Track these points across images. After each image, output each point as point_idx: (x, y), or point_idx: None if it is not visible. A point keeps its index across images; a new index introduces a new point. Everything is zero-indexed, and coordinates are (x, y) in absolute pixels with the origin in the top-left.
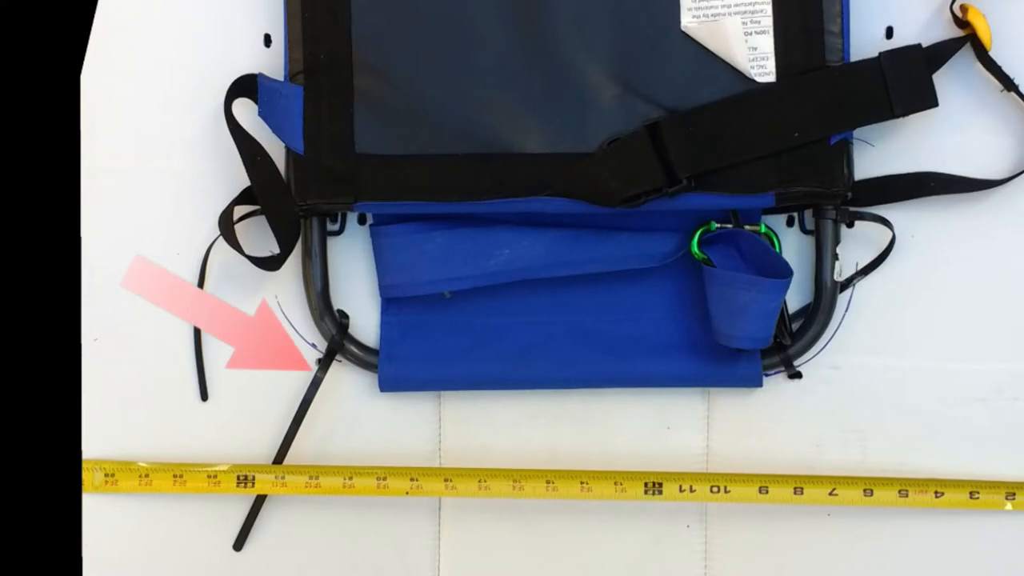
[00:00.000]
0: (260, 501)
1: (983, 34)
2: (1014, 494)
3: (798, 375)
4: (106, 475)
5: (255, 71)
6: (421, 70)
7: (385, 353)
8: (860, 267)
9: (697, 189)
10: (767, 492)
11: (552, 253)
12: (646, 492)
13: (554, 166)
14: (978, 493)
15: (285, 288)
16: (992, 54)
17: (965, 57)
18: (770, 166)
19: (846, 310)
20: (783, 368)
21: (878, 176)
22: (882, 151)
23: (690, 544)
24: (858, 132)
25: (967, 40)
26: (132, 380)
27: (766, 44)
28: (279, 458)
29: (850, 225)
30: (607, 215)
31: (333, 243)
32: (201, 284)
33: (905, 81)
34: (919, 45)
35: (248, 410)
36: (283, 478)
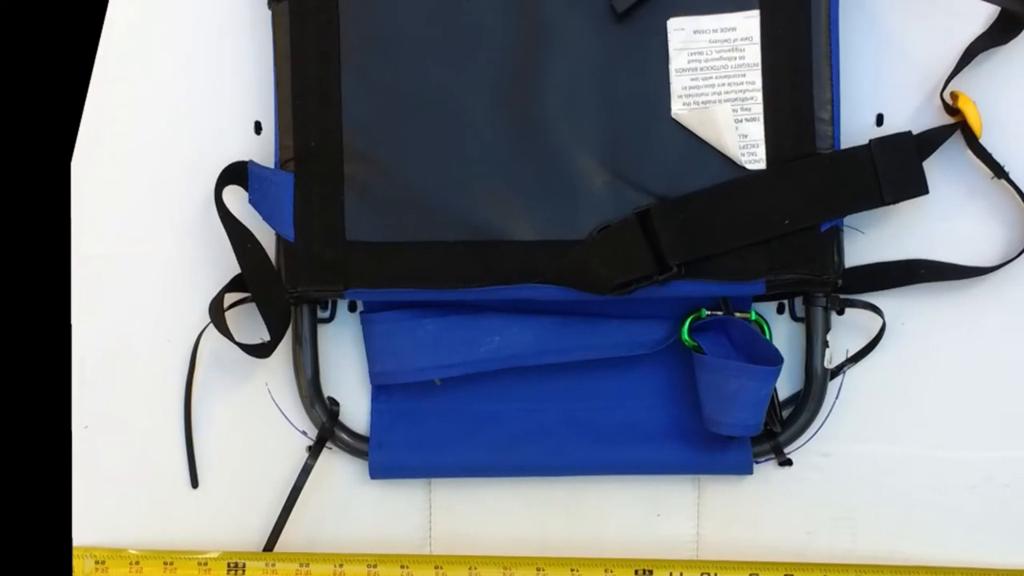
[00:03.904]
0: None
1: (973, 121)
2: None
3: (788, 462)
4: (96, 562)
5: (245, 158)
6: (412, 157)
7: (375, 440)
8: (850, 354)
9: (687, 276)
10: None
11: (542, 340)
12: None
13: (545, 253)
14: None
15: (276, 375)
16: (982, 141)
17: (955, 144)
18: (760, 253)
19: (836, 397)
20: (773, 455)
21: (869, 263)
22: (872, 238)
23: None
24: (848, 219)
25: (957, 127)
26: (122, 467)
27: (756, 131)
28: (269, 545)
29: (840, 312)
30: (598, 302)
31: (323, 330)
32: (191, 371)
33: (895, 168)
34: (909, 132)
35: (238, 497)
36: (274, 565)
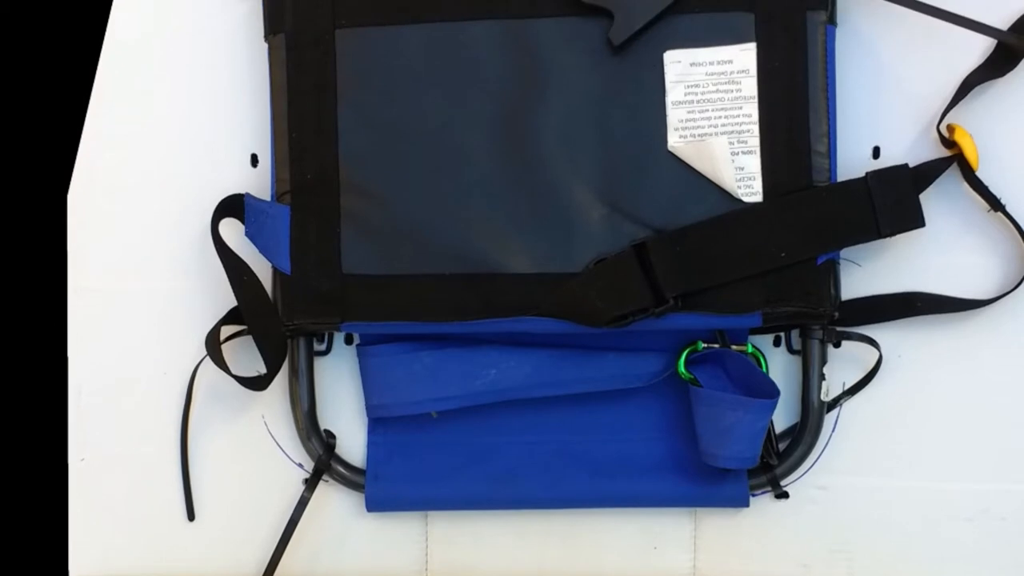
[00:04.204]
0: None
1: (970, 154)
2: None
3: (785, 495)
4: None
5: (242, 191)
6: (408, 190)
7: (372, 473)
8: (847, 387)
9: (684, 309)
10: None
11: (539, 373)
12: None
13: (541, 286)
14: None
15: (272, 408)
16: (979, 174)
17: (952, 177)
18: (757, 286)
19: (833, 430)
20: (770, 488)
21: (865, 296)
22: (869, 271)
23: None
24: (845, 252)
25: (954, 160)
26: (119, 500)
27: (753, 164)
28: None
29: (837, 345)
30: (594, 335)
31: (320, 363)
32: (188, 404)
33: (892, 201)
34: (906, 165)
35: (235, 529)
36: None
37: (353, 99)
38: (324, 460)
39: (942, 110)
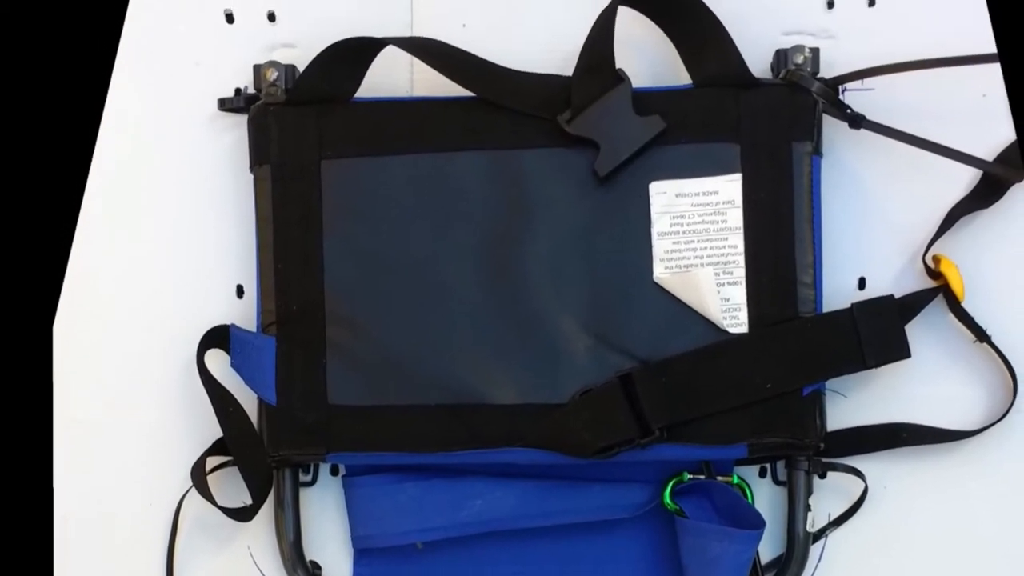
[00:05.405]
0: None
1: (956, 285)
2: None
3: None
4: None
5: (227, 322)
6: (393, 321)
7: None
8: (833, 518)
9: (670, 440)
10: None
11: (524, 504)
12: None
13: (527, 417)
14: None
15: (258, 539)
16: (965, 305)
17: (938, 308)
18: (743, 417)
19: (819, 561)
20: None
21: (851, 427)
22: (855, 402)
23: None
24: (831, 383)
25: (940, 291)
26: None
27: (738, 295)
28: None
29: (823, 476)
30: (580, 466)
31: (306, 493)
32: (174, 535)
33: (878, 332)
34: (891, 296)
35: None
36: None
37: (339, 230)
38: None
39: (928, 241)
